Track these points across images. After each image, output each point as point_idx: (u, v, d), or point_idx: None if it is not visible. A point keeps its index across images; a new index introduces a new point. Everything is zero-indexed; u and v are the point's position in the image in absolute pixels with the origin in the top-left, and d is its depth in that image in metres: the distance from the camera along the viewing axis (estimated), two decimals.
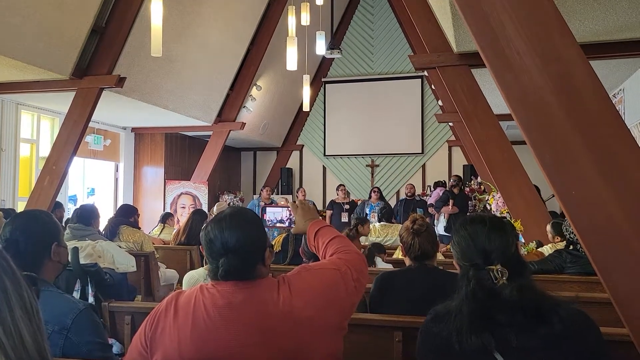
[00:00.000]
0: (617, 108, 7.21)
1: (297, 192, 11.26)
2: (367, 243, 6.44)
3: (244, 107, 10.51)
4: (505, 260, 1.54)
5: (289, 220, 1.92)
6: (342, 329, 1.68)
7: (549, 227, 4.92)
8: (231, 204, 11.31)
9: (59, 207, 7.06)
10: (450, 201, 9.36)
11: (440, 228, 9.08)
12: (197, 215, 6.35)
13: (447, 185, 10.40)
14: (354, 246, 1.91)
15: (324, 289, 1.65)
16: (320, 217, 2.11)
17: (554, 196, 2.15)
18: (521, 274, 1.53)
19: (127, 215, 5.66)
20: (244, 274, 1.60)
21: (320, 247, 1.94)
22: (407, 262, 2.71)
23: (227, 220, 1.65)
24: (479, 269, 1.53)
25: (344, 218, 10.09)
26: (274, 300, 1.57)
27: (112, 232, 5.27)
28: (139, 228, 5.71)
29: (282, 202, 10.58)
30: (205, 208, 9.96)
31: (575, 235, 3.43)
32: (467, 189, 10.23)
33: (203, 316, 1.57)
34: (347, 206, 10.26)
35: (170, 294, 1.72)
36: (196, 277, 3.17)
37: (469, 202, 9.90)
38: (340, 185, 10.84)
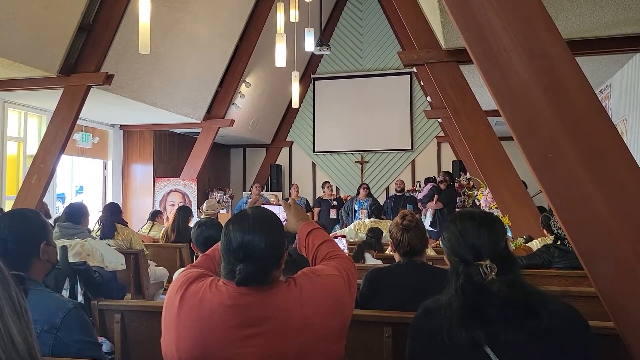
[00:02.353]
0: (604, 104, 7.26)
1: (290, 189, 11.25)
2: (357, 239, 6.47)
3: (233, 103, 10.49)
4: (495, 255, 1.55)
5: (285, 221, 1.91)
6: (343, 337, 1.67)
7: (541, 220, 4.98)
8: (221, 201, 11.29)
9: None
10: (435, 196, 9.41)
11: (426, 223, 9.12)
12: (182, 212, 6.34)
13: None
14: (343, 251, 1.93)
15: (332, 295, 1.65)
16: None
17: (541, 192, 2.17)
18: (510, 269, 1.54)
19: (117, 213, 5.66)
20: (259, 281, 1.57)
21: (310, 248, 1.95)
22: (397, 258, 2.72)
23: (251, 221, 1.60)
24: (469, 265, 1.54)
25: (333, 214, 10.13)
26: (281, 304, 1.56)
27: (109, 231, 5.24)
28: (127, 226, 5.70)
29: (273, 199, 10.59)
30: (194, 205, 9.93)
31: (562, 230, 3.46)
32: (457, 184, 10.27)
33: (207, 313, 1.56)
34: (335, 202, 10.30)
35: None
36: None
37: (457, 197, 9.96)
38: (326, 182, 10.87)
